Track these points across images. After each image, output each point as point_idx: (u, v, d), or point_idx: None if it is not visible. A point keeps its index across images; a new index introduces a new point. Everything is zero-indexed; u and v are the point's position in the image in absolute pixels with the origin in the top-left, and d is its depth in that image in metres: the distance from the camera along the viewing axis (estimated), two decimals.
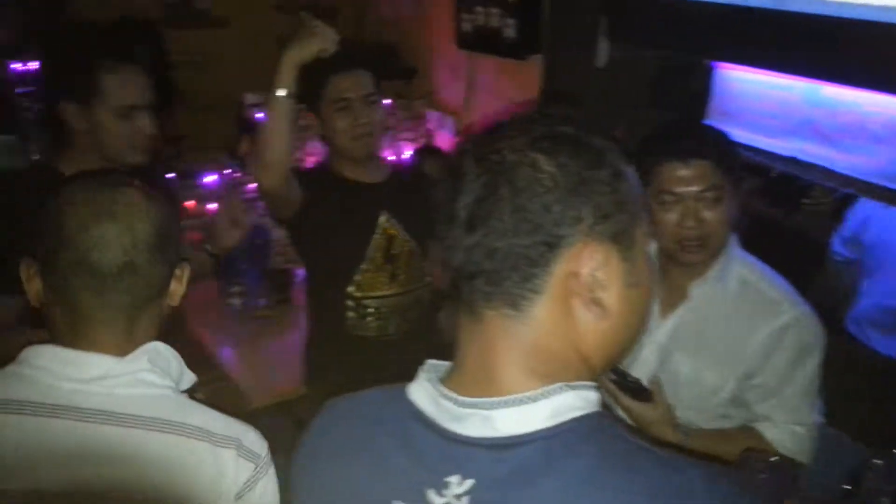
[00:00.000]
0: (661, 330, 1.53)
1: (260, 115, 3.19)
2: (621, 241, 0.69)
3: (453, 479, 0.67)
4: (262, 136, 1.78)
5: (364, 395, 0.81)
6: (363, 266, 1.99)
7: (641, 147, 1.48)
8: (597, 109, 2.63)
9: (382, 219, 2.01)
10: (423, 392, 0.73)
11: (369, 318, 2.02)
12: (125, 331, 1.02)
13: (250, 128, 3.25)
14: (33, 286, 1.04)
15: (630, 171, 0.72)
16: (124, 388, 0.99)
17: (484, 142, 0.70)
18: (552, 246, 0.66)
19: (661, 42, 2.42)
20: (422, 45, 3.69)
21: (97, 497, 0.94)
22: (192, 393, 1.09)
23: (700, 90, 2.54)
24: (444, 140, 3.54)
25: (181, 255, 1.10)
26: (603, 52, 2.72)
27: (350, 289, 1.99)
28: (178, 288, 1.09)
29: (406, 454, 0.71)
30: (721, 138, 1.49)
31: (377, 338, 2.04)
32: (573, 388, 0.68)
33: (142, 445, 0.97)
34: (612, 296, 0.69)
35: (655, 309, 1.54)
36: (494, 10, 3.10)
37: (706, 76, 2.54)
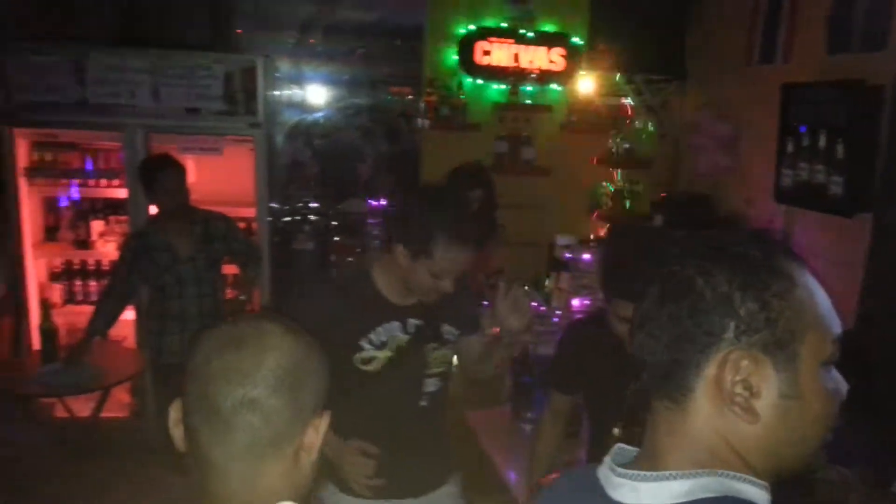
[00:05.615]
0: None
1: (569, 255, 3.42)
2: (774, 352, 0.73)
3: None
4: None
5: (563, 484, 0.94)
6: None
7: None
8: None
9: None
10: (603, 472, 0.83)
11: None
12: (244, 482, 0.89)
13: (559, 266, 3.48)
14: (178, 431, 0.94)
15: (809, 293, 0.75)
16: None
17: (673, 253, 0.80)
18: (700, 351, 0.75)
19: None
20: (736, 196, 3.68)
21: None
22: None
23: None
24: None
25: (321, 404, 0.95)
26: None
27: None
28: (314, 439, 0.94)
29: None
30: None
31: None
32: (727, 476, 0.74)
33: None
34: (764, 403, 0.74)
35: None
36: (820, 167, 2.99)
37: None
